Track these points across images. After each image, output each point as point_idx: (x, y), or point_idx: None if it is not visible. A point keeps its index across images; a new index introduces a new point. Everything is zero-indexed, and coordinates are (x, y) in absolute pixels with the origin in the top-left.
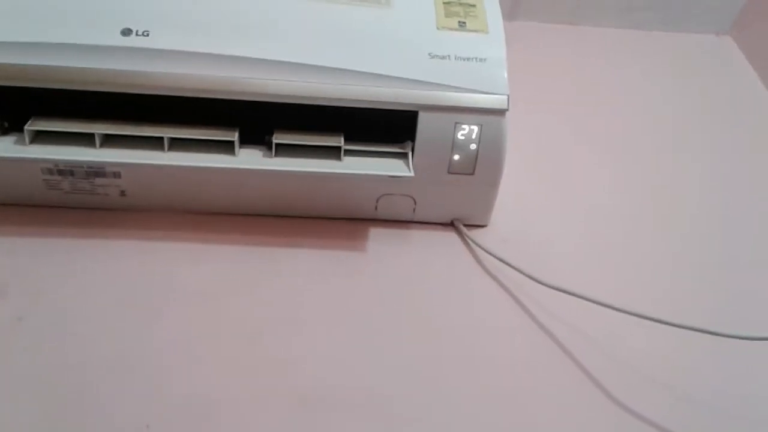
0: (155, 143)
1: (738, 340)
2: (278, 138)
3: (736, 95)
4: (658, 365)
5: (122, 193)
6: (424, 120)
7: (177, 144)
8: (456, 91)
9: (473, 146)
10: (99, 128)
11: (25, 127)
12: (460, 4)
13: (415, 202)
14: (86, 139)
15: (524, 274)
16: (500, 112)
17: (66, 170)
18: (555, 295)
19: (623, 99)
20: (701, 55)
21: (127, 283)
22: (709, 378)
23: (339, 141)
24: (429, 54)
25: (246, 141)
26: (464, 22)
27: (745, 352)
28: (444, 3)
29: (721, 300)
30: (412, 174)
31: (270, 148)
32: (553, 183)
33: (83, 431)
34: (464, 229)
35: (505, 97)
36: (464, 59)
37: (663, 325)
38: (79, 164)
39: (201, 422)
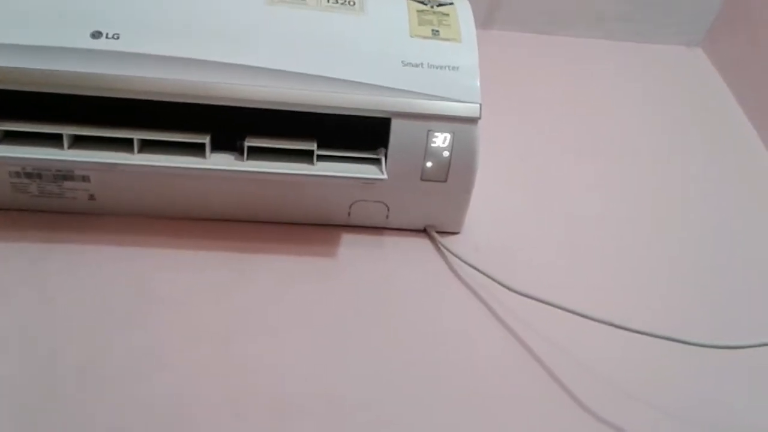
0: (125, 146)
1: (712, 350)
2: (250, 142)
3: (706, 106)
4: (629, 373)
5: (91, 197)
6: (397, 127)
7: (147, 147)
8: (429, 99)
9: (446, 154)
10: (68, 129)
11: None
12: (434, 12)
13: (388, 209)
14: (55, 141)
15: (496, 281)
16: (473, 120)
17: (34, 173)
18: (527, 302)
19: (595, 108)
20: (672, 67)
21: (96, 289)
22: (679, 387)
23: (312, 145)
24: (402, 62)
25: (218, 148)
26: (438, 31)
27: (718, 361)
28: (417, 11)
29: (696, 308)
30: (385, 177)
31: (242, 153)
32: (526, 191)
33: None
34: (437, 236)
35: (478, 106)
36: (437, 67)
37: (635, 334)
38: (47, 167)
39: (171, 428)
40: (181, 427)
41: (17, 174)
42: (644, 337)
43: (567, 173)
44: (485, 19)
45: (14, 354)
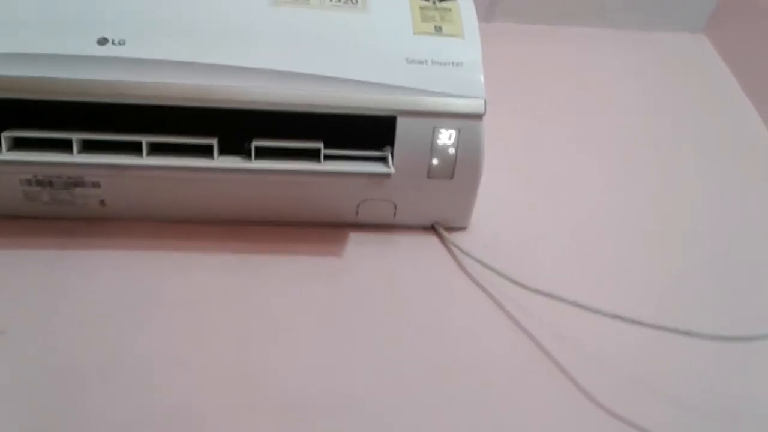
0: (134, 151)
1: (720, 342)
2: (257, 142)
3: (711, 93)
4: (639, 367)
5: (102, 203)
6: (402, 125)
7: (156, 151)
8: (434, 96)
9: (452, 150)
10: (77, 135)
11: (2, 135)
12: (437, 8)
13: (395, 207)
14: (65, 148)
15: (504, 276)
16: (477, 116)
17: (45, 180)
18: (535, 297)
19: (600, 98)
20: (676, 54)
21: (109, 293)
22: (690, 379)
23: (319, 145)
24: (406, 59)
25: (225, 152)
26: (440, 27)
27: (727, 353)
28: (420, 8)
29: (703, 301)
30: (392, 170)
31: (249, 155)
32: (533, 185)
33: None
34: (445, 233)
35: (482, 101)
36: (441, 64)
37: (644, 327)
38: (58, 174)
39: (184, 430)
40: (194, 427)
41: (29, 182)
42: (654, 330)
43: (573, 166)
44: (487, 12)
45: (28, 360)
